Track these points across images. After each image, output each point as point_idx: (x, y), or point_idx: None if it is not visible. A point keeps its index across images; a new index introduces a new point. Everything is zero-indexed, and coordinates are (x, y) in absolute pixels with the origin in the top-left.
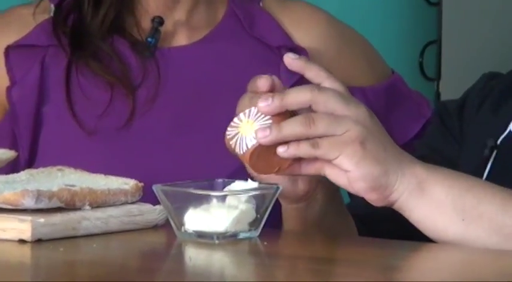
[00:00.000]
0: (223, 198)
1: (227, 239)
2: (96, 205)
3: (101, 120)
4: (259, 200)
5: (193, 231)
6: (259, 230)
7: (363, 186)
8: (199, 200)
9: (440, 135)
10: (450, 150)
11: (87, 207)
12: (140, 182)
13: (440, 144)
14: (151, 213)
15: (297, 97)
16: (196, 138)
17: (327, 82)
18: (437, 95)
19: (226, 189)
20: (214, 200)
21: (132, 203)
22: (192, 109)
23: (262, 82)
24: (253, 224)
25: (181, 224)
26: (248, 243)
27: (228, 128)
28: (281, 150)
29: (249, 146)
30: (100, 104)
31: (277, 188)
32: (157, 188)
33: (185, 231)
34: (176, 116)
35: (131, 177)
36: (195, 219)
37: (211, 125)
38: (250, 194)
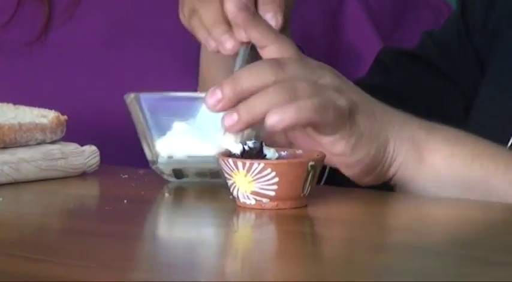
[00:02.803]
0: None
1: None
2: (2, 145)
3: (6, 31)
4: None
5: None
6: None
7: (358, 172)
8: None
9: (455, 33)
10: (461, 58)
11: None
12: (63, 114)
13: (453, 45)
14: (78, 156)
15: (256, 82)
16: (138, 53)
17: (275, 46)
18: None
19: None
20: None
21: (52, 142)
22: (132, 14)
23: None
24: None
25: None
26: None
27: (222, 166)
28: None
29: (247, 204)
30: (3, 9)
31: None
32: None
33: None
34: (109, 25)
35: (49, 107)
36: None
37: (160, 34)
38: None
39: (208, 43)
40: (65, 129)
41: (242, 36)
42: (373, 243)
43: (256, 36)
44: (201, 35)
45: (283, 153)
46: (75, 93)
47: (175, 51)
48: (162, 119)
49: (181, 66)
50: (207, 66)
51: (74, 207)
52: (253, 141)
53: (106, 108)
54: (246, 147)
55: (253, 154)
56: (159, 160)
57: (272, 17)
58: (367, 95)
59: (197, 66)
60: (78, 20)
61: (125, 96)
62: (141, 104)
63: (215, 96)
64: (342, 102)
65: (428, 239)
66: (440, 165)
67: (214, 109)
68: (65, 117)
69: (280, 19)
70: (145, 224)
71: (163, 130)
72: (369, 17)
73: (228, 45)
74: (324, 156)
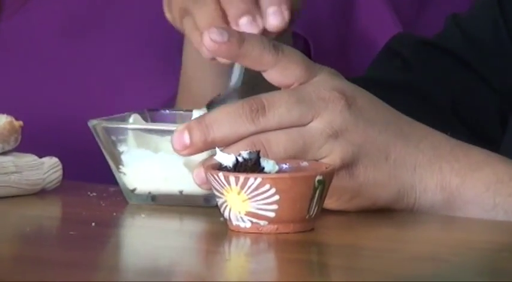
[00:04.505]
0: None
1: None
2: None
3: None
4: None
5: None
6: None
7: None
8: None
9: (489, 21)
10: (497, 52)
11: None
12: (17, 119)
13: (485, 35)
14: (35, 169)
15: (229, 133)
16: (103, 46)
17: (275, 70)
18: None
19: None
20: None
21: (4, 153)
22: (95, 0)
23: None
24: None
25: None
26: None
27: (211, 181)
28: None
29: (241, 227)
30: None
31: None
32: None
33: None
34: (68, 13)
35: (1, 110)
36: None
37: (128, 23)
38: None
39: (203, 49)
40: (19, 138)
41: None
42: (393, 275)
43: (250, 64)
44: (194, 39)
45: (284, 166)
46: (30, 94)
47: (146, 43)
48: (133, 148)
49: (154, 61)
50: (193, 67)
51: (31, 232)
52: (248, 151)
53: (68, 112)
54: (240, 159)
55: (249, 167)
56: (136, 197)
57: (276, 11)
58: (385, 117)
59: (173, 59)
60: (32, 8)
61: (88, 123)
62: (108, 133)
63: (182, 140)
64: (332, 157)
65: (460, 269)
66: (479, 216)
67: (179, 153)
68: (20, 122)
69: (286, 14)
70: (117, 251)
71: (137, 159)
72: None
73: None
74: (334, 169)
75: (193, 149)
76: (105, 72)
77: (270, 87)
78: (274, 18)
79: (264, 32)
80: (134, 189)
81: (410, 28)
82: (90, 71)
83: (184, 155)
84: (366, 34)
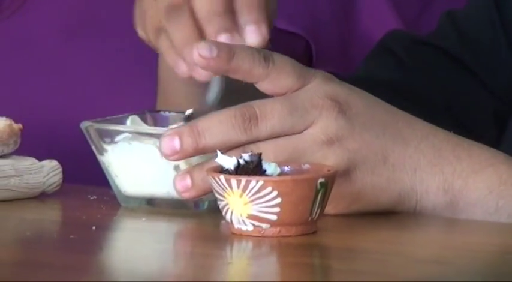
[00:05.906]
0: None
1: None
2: None
3: None
4: None
5: None
6: None
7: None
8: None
9: (484, 18)
10: (492, 51)
11: None
12: (16, 121)
13: (481, 34)
14: (35, 173)
15: (221, 142)
16: (103, 47)
17: (267, 82)
18: None
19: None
20: None
21: (4, 156)
22: (94, 0)
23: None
24: None
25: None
26: None
27: (213, 184)
28: None
29: (243, 230)
30: None
31: None
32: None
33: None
34: (67, 14)
35: (0, 112)
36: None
37: (127, 24)
38: None
39: (179, 67)
40: (19, 141)
41: None
42: (397, 278)
43: (241, 77)
44: (170, 58)
45: (286, 169)
46: (30, 96)
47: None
48: (124, 151)
49: (156, 60)
50: (167, 78)
51: (31, 236)
52: (249, 153)
53: (68, 114)
54: (242, 161)
55: (250, 169)
56: (129, 200)
57: (255, 30)
58: (382, 120)
59: None
60: (30, 8)
61: (81, 124)
62: (100, 135)
63: (172, 145)
64: (328, 163)
65: (465, 272)
66: (482, 219)
67: (168, 158)
68: (19, 125)
69: (264, 31)
70: (117, 255)
71: (128, 161)
72: None
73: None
74: (336, 171)
75: (182, 155)
76: (106, 72)
77: (261, 94)
78: (253, 37)
79: None
80: (125, 192)
81: (412, 27)
82: (91, 72)
83: (172, 160)
84: (367, 34)
